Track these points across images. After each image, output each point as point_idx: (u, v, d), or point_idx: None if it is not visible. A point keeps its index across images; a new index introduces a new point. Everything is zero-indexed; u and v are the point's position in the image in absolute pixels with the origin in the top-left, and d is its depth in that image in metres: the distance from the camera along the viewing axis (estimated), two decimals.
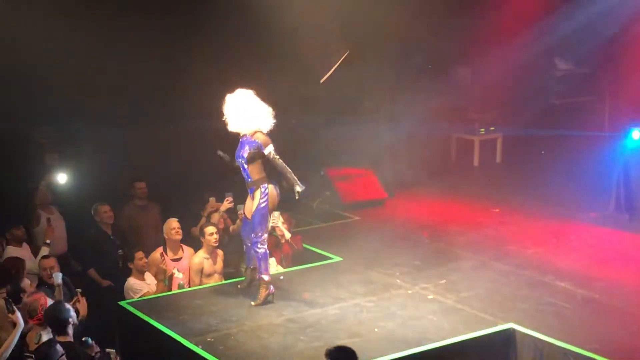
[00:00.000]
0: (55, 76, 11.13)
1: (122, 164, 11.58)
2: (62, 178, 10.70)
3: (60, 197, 10.70)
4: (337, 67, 13.39)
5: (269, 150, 8.31)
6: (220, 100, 8.52)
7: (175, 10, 12.06)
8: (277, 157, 8.33)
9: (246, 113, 8.37)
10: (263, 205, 8.38)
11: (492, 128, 15.53)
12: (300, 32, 12.49)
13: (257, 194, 8.39)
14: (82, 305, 7.50)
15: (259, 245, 8.48)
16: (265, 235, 8.56)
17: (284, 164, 8.35)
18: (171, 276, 9.07)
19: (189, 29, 12.05)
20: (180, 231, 9.40)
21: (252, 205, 8.48)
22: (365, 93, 13.74)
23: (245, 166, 8.41)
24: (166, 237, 9.40)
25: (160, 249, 9.30)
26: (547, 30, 14.14)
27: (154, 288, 8.99)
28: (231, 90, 8.55)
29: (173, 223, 9.40)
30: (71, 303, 7.30)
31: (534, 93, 15.26)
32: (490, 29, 14.09)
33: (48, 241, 9.35)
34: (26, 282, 7.78)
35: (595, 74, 15.35)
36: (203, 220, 10.02)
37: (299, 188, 8.33)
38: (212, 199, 10.34)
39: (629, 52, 13.77)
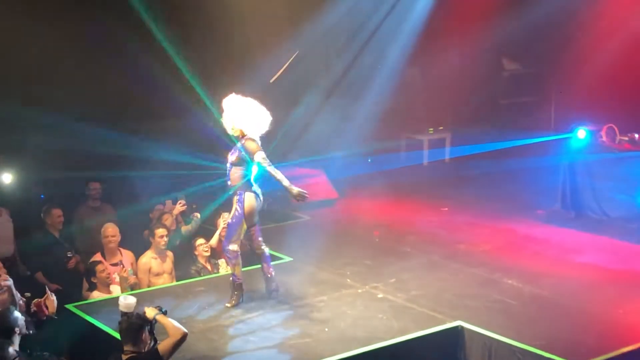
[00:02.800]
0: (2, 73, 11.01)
1: (71, 164, 11.43)
2: (6, 178, 10.51)
3: (7, 199, 10.53)
4: (287, 66, 13.39)
5: (258, 158, 8.07)
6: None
7: (130, 10, 11.97)
8: (268, 164, 8.05)
9: (242, 116, 8.18)
10: (236, 212, 8.30)
11: (440, 127, 15.66)
12: (250, 30, 12.51)
13: (235, 200, 8.31)
14: (50, 302, 7.34)
15: (228, 250, 8.37)
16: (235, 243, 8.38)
17: (275, 170, 8.06)
18: (137, 283, 9.04)
19: (145, 27, 11.98)
20: (117, 238, 9.32)
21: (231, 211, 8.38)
22: (312, 91, 13.76)
23: (228, 170, 8.31)
24: (103, 243, 9.32)
25: (98, 255, 9.23)
26: (494, 30, 14.30)
27: None
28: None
29: (109, 229, 9.32)
30: (42, 300, 7.18)
31: (482, 93, 15.42)
32: (438, 28, 14.21)
33: None
34: None
35: (541, 74, 15.56)
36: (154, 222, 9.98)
37: (295, 191, 8.05)
38: (168, 202, 10.27)
39: (574, 52, 13.98)
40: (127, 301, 7.20)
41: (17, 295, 7.52)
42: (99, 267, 9.01)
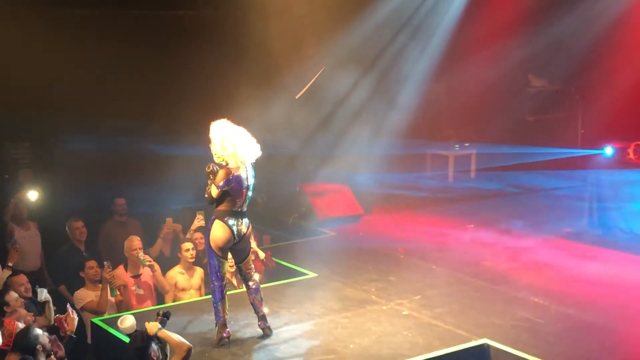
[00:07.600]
0: (31, 92, 11.09)
1: (99, 180, 11.52)
2: (32, 195, 10.54)
3: (36, 213, 10.60)
4: (313, 83, 13.44)
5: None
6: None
7: (153, 31, 12.11)
8: None
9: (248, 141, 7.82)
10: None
11: (466, 144, 15.63)
12: (276, 47, 12.56)
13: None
14: (70, 319, 7.34)
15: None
16: None
17: None
18: (125, 287, 8.99)
19: (169, 49, 12.09)
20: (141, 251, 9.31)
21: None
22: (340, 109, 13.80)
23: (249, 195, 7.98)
24: (127, 254, 9.33)
25: (121, 267, 9.24)
26: (521, 46, 14.28)
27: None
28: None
29: (135, 242, 9.30)
30: (64, 316, 7.20)
31: (509, 109, 15.37)
32: (465, 45, 14.21)
33: (10, 264, 9.14)
34: (12, 296, 7.70)
35: (568, 90, 15.50)
36: (159, 241, 10.05)
37: None
38: (168, 219, 10.27)
39: (602, 70, 13.91)
40: (123, 325, 6.97)
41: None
42: (89, 264, 8.99)
